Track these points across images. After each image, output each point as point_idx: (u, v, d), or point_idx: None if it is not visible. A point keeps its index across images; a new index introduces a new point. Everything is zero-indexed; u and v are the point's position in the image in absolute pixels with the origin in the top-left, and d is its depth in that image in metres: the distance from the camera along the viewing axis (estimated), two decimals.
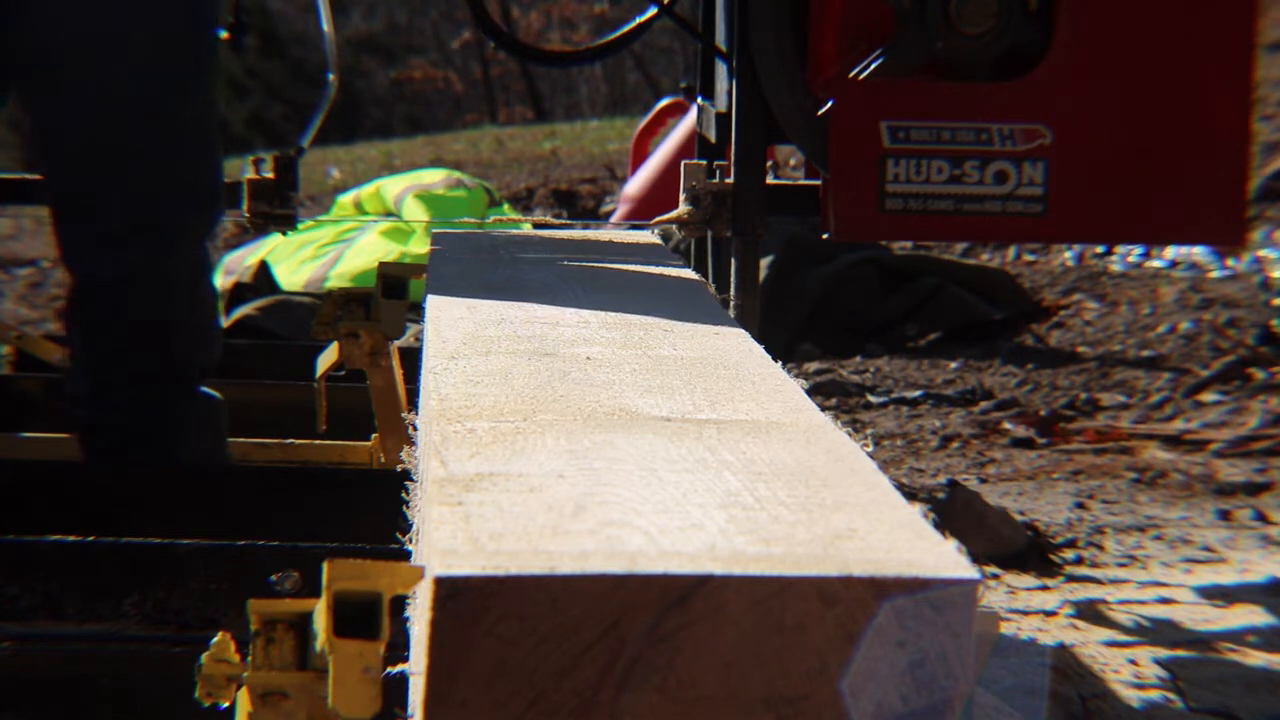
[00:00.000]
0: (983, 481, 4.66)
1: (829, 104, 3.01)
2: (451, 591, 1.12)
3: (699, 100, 3.69)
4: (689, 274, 2.57)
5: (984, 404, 5.58)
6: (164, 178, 2.89)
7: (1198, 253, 7.04)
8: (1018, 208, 3.03)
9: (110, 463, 2.91)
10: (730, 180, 3.18)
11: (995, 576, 3.75)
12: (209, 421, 3.00)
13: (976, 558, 1.30)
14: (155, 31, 2.85)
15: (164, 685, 2.11)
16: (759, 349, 1.93)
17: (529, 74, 21.99)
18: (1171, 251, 7.12)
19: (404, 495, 1.47)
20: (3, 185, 3.68)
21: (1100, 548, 4.02)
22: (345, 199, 8.10)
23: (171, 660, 2.17)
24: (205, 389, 3.01)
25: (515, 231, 3.37)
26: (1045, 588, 3.72)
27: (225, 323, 5.06)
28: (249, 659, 1.37)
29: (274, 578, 1.95)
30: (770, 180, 3.21)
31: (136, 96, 2.84)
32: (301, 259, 7.11)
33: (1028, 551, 3.89)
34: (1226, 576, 3.82)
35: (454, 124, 20.42)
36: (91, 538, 2.39)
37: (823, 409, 1.62)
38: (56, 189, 2.91)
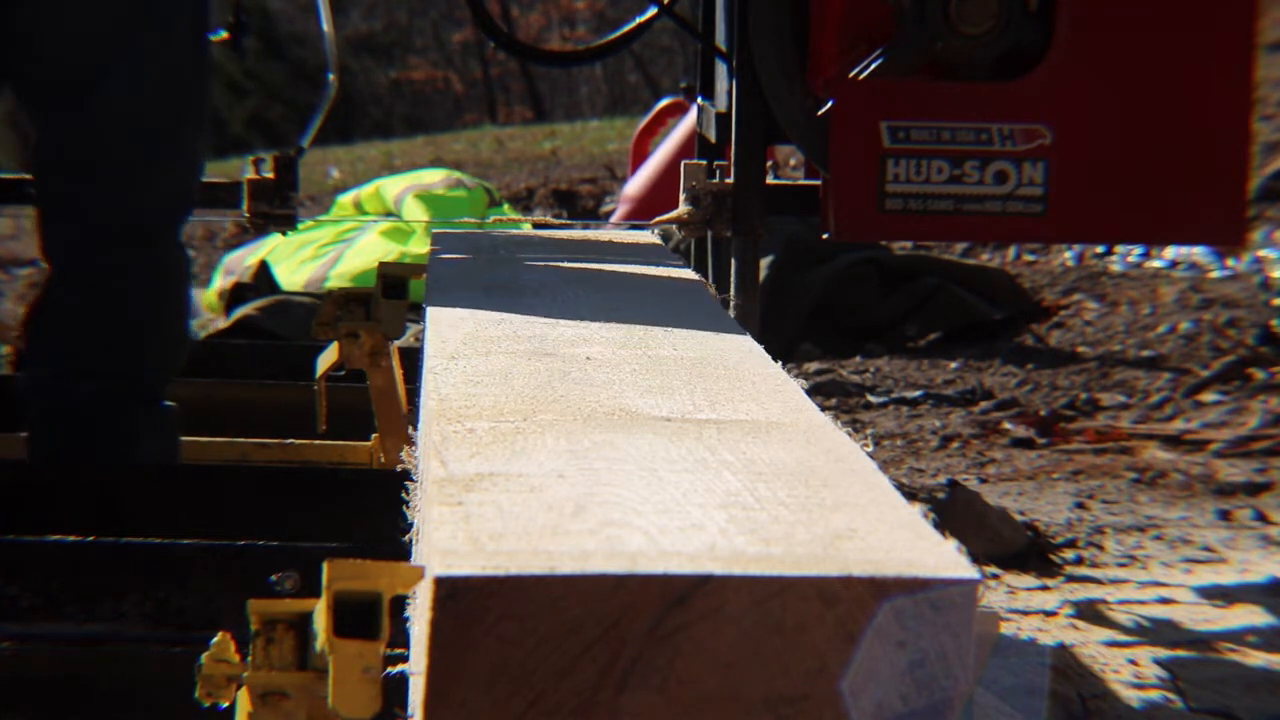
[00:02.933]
0: (983, 481, 4.65)
1: (829, 104, 3.01)
2: (451, 591, 1.12)
3: (699, 100, 3.69)
4: (689, 274, 2.57)
5: (984, 404, 5.57)
6: (149, 181, 2.90)
7: (1198, 253, 7.04)
8: (1018, 208, 3.03)
9: (110, 463, 2.90)
10: (730, 180, 3.19)
11: (995, 576, 3.75)
12: (163, 429, 2.99)
13: (976, 558, 1.30)
14: (150, 39, 2.86)
15: (164, 685, 2.10)
16: (759, 349, 1.93)
17: (529, 74, 21.99)
18: (1171, 251, 7.12)
19: (404, 495, 1.47)
20: (3, 185, 3.68)
21: (1100, 548, 4.02)
22: (345, 199, 8.10)
23: (171, 660, 2.17)
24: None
25: (515, 231, 3.37)
26: (1045, 588, 3.72)
27: (225, 323, 5.06)
28: (249, 659, 1.37)
29: (274, 578, 1.95)
30: (770, 180, 3.21)
31: (128, 104, 2.86)
32: (301, 259, 7.11)
33: (1028, 551, 3.89)
34: (1226, 576, 3.82)
35: (454, 124, 20.41)
36: (91, 538, 2.39)
37: (823, 409, 1.62)
38: (46, 190, 2.92)
